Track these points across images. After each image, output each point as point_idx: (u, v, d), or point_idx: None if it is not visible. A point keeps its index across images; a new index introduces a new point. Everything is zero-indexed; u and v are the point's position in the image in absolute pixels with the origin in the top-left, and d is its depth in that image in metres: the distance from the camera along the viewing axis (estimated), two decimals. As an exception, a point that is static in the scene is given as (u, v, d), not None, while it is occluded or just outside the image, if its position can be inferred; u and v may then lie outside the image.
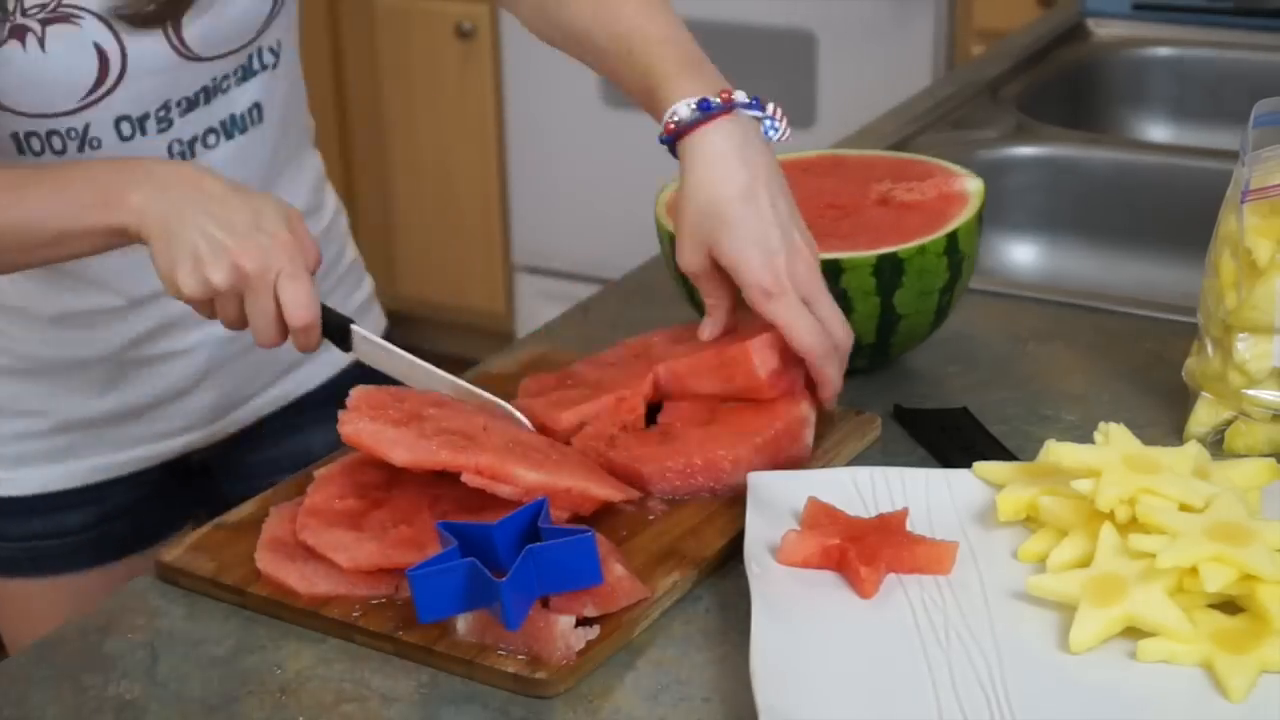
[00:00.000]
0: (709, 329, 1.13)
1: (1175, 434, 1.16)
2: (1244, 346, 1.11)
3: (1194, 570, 0.90)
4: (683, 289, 1.26)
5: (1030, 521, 1.01)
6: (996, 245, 1.68)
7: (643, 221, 1.39)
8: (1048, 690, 0.87)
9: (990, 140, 1.73)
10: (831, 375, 1.09)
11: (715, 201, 1.08)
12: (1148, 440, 1.13)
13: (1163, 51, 2.04)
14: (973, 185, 1.26)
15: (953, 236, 1.19)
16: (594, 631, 0.93)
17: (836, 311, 1.09)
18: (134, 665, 0.95)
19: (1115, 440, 1.01)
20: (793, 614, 0.93)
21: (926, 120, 1.79)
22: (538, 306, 3.38)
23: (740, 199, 1.07)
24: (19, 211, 1.10)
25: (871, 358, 1.24)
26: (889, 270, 1.17)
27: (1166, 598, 0.90)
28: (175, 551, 1.03)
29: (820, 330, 1.08)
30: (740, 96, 1.10)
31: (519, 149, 3.40)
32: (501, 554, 0.93)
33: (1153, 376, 1.24)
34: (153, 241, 1.07)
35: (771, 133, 1.12)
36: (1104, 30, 2.09)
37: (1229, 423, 1.13)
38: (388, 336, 1.37)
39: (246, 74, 1.25)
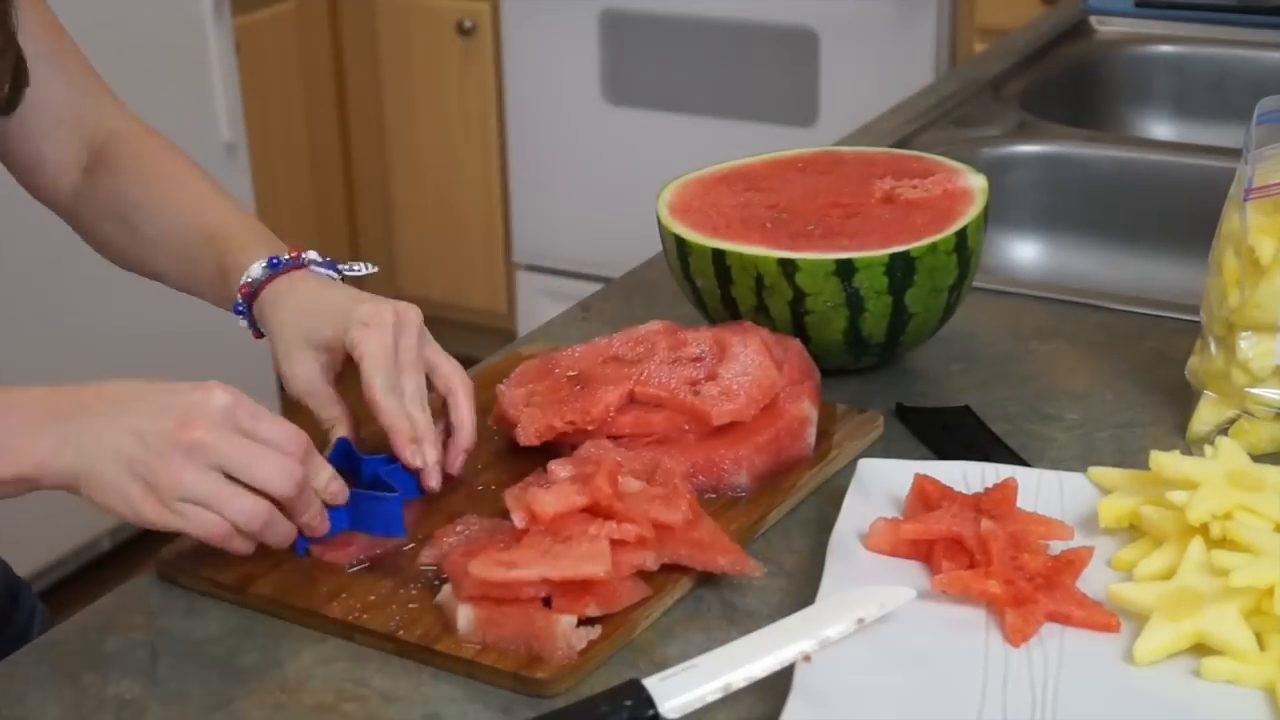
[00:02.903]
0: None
1: (1178, 432, 1.16)
2: (1247, 345, 1.10)
3: (1272, 592, 0.89)
4: (686, 289, 1.26)
5: (1134, 530, 1.00)
6: (999, 243, 1.68)
7: (644, 219, 1.39)
8: (1099, 698, 0.86)
9: (993, 138, 1.73)
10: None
11: (311, 312, 1.08)
12: (1149, 440, 1.13)
13: (1165, 49, 2.03)
14: (976, 182, 1.26)
15: (962, 234, 1.19)
16: (595, 631, 0.93)
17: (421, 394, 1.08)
18: (134, 665, 0.95)
19: (1224, 454, 0.99)
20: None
21: (929, 118, 1.79)
22: (539, 304, 3.38)
23: (331, 299, 1.09)
24: None
25: (881, 356, 1.23)
26: (901, 269, 1.17)
27: (1240, 617, 0.89)
28: (175, 551, 1.03)
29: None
30: (312, 254, 1.13)
31: (520, 147, 3.39)
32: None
33: (1155, 375, 1.24)
34: (81, 488, 0.94)
35: (357, 270, 1.17)
36: (1106, 28, 2.08)
37: (1232, 421, 1.13)
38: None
39: None
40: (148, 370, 3.05)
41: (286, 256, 1.12)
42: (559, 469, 1.03)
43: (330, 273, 1.14)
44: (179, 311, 2.93)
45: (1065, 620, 0.92)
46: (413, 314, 1.08)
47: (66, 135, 1.23)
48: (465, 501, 1.07)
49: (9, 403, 0.95)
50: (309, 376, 1.09)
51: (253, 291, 1.12)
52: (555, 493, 0.97)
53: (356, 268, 1.17)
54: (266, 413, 0.95)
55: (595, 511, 0.96)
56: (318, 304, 1.09)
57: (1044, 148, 1.72)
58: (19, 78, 1.11)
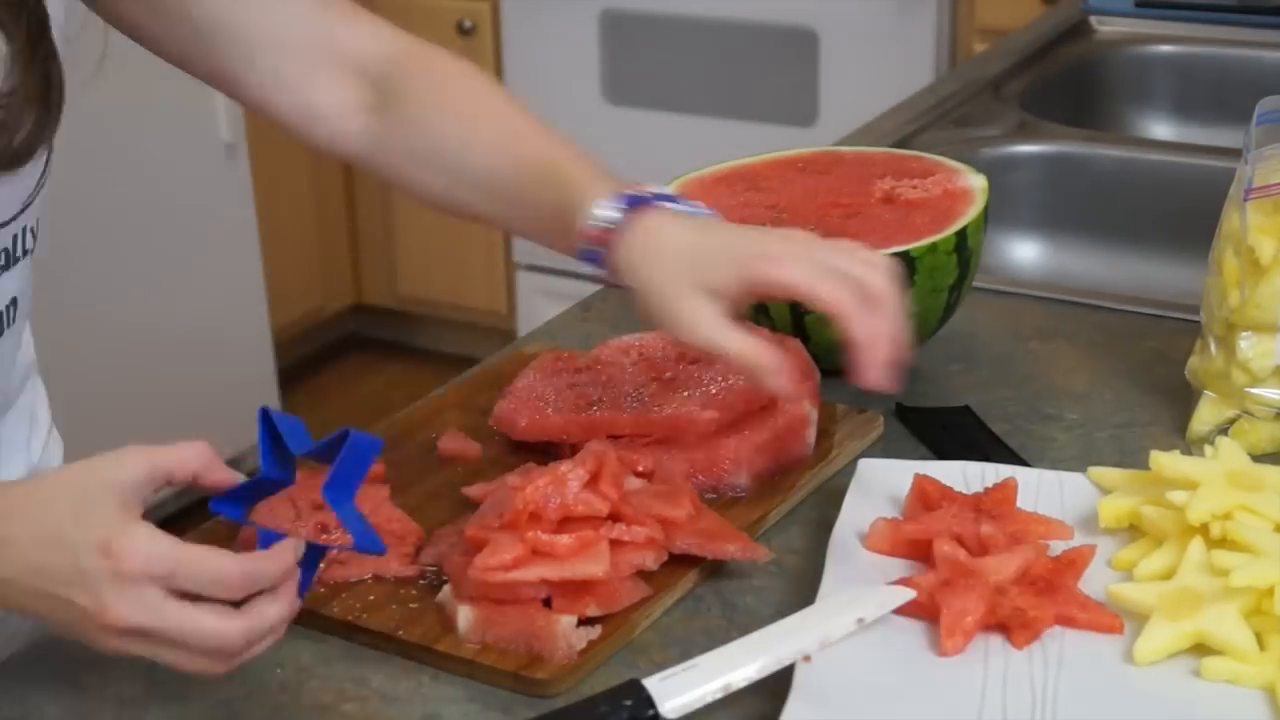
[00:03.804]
0: (783, 386, 0.98)
1: (1178, 433, 1.15)
2: (1247, 345, 1.10)
3: (1272, 592, 0.89)
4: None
5: (1134, 530, 1.00)
6: (999, 243, 1.68)
7: (644, 219, 1.39)
8: (1099, 697, 0.86)
9: (993, 138, 1.73)
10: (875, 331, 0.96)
11: (696, 254, 0.98)
12: (1149, 440, 1.13)
13: (1165, 49, 2.03)
14: (976, 181, 1.26)
15: (962, 234, 1.19)
16: (596, 631, 0.92)
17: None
18: (134, 665, 0.94)
19: (1224, 454, 0.99)
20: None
21: (929, 118, 1.79)
22: (539, 304, 3.38)
23: (712, 240, 0.99)
24: None
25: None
26: (901, 269, 1.17)
27: (1240, 617, 0.89)
28: (175, 551, 1.03)
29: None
30: (652, 188, 1.03)
31: (520, 147, 3.39)
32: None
33: (1155, 375, 1.24)
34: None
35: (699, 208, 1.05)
36: (1106, 28, 2.08)
37: (1232, 421, 1.13)
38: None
39: (8, 260, 1.00)
40: (146, 368, 3.03)
41: (636, 193, 1.01)
42: (570, 475, 0.96)
43: (685, 208, 1.03)
44: (178, 309, 2.94)
45: (1068, 622, 0.92)
46: (806, 235, 1.00)
47: (335, 77, 1.10)
48: (462, 505, 1.07)
49: None
50: (712, 320, 0.97)
51: (604, 239, 1.00)
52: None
53: (697, 204, 1.06)
54: (181, 551, 0.82)
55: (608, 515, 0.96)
56: (700, 246, 0.98)
57: (1044, 148, 1.72)
58: (53, 101, 0.96)
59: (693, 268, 0.98)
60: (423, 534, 1.02)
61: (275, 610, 0.84)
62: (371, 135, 1.11)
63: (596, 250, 1.01)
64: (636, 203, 1.00)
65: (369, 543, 0.87)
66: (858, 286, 0.97)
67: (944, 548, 0.94)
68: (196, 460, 0.87)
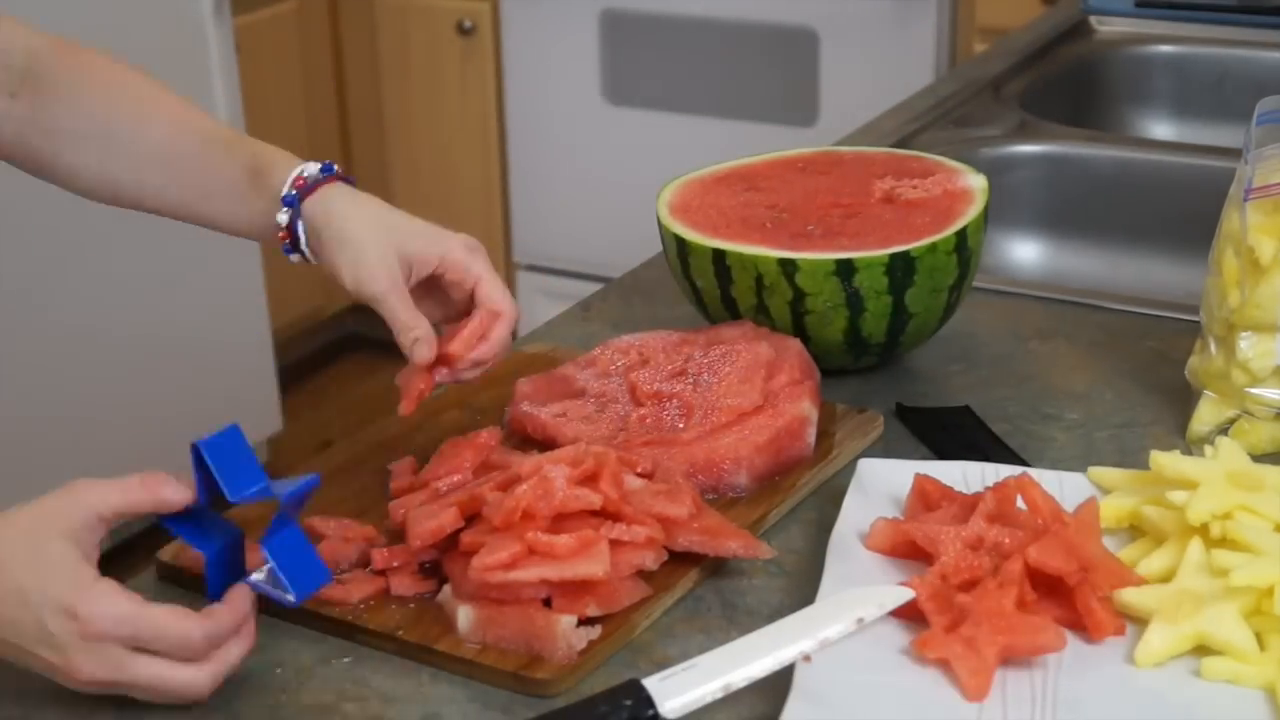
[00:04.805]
0: (425, 353, 1.06)
1: (1178, 432, 1.16)
2: (1247, 345, 1.10)
3: (1272, 592, 0.89)
4: (686, 288, 1.26)
5: (1134, 530, 1.00)
6: (999, 243, 1.68)
7: (644, 219, 1.39)
8: (1099, 698, 0.86)
9: (993, 138, 1.73)
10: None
11: (395, 223, 1.09)
12: (1149, 440, 1.13)
13: (1165, 49, 2.03)
14: (976, 181, 1.26)
15: (962, 234, 1.19)
16: (596, 631, 0.93)
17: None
18: (134, 665, 0.94)
19: (1224, 454, 0.99)
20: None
21: (929, 118, 1.79)
22: (539, 304, 3.38)
23: (409, 218, 1.11)
24: None
25: (881, 356, 1.23)
26: (901, 269, 1.17)
27: (1239, 617, 0.89)
28: (175, 551, 1.03)
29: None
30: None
31: (520, 147, 3.39)
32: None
33: (1155, 375, 1.24)
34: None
35: None
36: (1106, 28, 2.08)
37: (1232, 421, 1.13)
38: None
39: None
40: (146, 368, 3.02)
41: (337, 167, 1.10)
42: (553, 474, 0.96)
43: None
44: (178, 310, 2.94)
45: (1071, 625, 0.92)
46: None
47: None
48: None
49: None
50: (395, 277, 1.06)
51: (309, 187, 1.08)
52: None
53: None
54: (144, 615, 0.86)
55: (602, 513, 0.96)
56: (399, 218, 1.10)
57: (1044, 148, 1.72)
58: None
59: (390, 230, 1.08)
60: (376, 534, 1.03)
61: (238, 650, 0.90)
62: (15, 119, 1.11)
63: (294, 195, 1.07)
64: (333, 170, 1.09)
65: (309, 580, 0.91)
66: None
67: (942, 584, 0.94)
68: (149, 497, 0.90)
